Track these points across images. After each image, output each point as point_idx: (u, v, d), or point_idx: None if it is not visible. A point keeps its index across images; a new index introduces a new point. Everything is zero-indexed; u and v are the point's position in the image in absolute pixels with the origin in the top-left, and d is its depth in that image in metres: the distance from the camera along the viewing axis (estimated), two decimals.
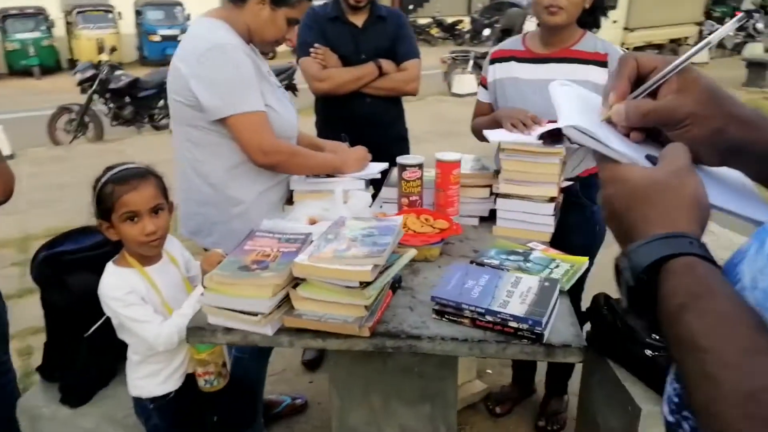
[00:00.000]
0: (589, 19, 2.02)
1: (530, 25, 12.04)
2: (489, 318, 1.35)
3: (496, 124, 2.09)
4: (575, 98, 0.73)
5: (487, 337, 1.34)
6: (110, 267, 1.58)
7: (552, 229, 1.83)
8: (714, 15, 13.85)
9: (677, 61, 0.66)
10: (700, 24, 13.00)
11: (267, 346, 1.47)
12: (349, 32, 2.63)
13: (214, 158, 1.90)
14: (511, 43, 2.18)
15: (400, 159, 1.85)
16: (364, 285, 1.29)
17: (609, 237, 2.27)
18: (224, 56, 1.79)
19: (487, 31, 13.27)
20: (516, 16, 12.49)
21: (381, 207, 2.01)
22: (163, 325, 1.54)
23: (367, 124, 2.60)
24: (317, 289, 1.33)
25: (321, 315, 1.33)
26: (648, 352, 1.84)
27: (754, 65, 9.09)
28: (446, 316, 1.39)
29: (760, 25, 13.01)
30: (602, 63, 1.97)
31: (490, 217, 1.97)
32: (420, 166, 1.82)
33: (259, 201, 1.95)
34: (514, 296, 1.39)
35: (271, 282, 1.31)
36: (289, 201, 2.08)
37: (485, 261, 1.61)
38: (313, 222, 1.86)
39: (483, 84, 2.25)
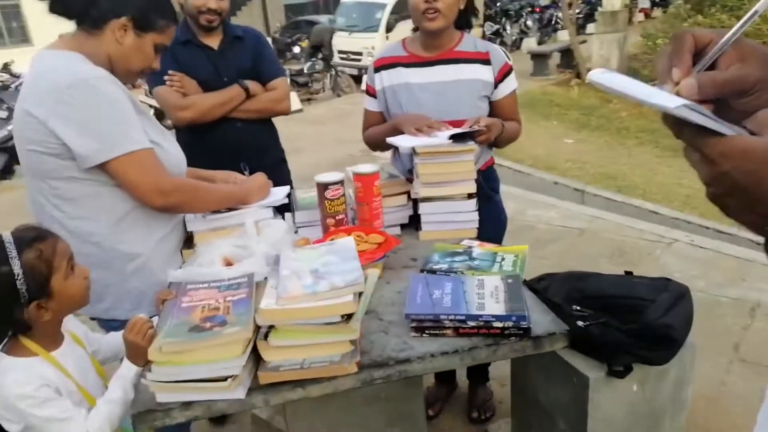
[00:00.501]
0: (462, 21, 2.08)
1: (339, 41, 12.44)
2: (472, 323, 1.30)
3: (395, 131, 2.06)
4: (634, 82, 0.69)
5: (475, 343, 1.28)
6: (6, 361, 1.24)
7: (476, 224, 1.84)
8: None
9: (731, 32, 0.66)
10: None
11: (236, 411, 1.26)
12: (205, 56, 2.42)
13: (95, 212, 1.60)
14: (392, 50, 2.16)
15: (319, 178, 1.72)
16: (347, 317, 1.16)
17: (510, 224, 2.39)
18: (93, 91, 1.51)
19: (296, 49, 13.36)
20: (323, 32, 12.74)
21: (296, 233, 1.86)
22: (90, 419, 1.24)
23: (241, 150, 2.40)
24: (291, 333, 1.17)
25: (301, 361, 1.17)
26: (580, 323, 1.93)
27: (536, 57, 10.35)
28: (426, 332, 1.31)
29: (529, 23, 14.82)
30: (486, 61, 2.04)
31: (410, 224, 1.92)
32: (341, 182, 1.71)
33: (157, 251, 1.68)
34: (486, 297, 1.35)
35: (240, 337, 1.12)
36: (187, 244, 1.83)
37: (434, 267, 1.56)
38: (228, 263, 1.65)
39: (370, 93, 2.20)
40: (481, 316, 1.29)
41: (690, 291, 1.86)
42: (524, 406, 2.26)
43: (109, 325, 1.64)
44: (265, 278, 1.36)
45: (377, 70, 2.13)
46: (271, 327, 1.18)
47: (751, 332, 2.84)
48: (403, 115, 2.02)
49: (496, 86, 2.04)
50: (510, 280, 1.42)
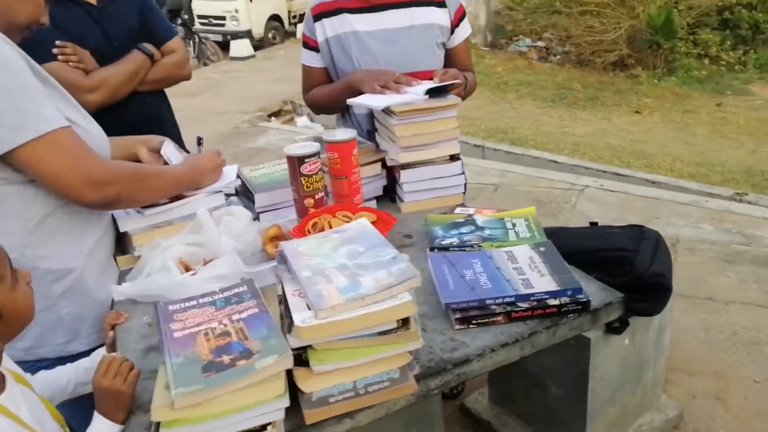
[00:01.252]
0: None
1: (199, 5, 11.36)
2: (524, 305, 1.11)
3: (352, 91, 1.78)
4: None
5: (533, 327, 1.10)
6: None
7: (463, 189, 1.65)
8: None
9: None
10: None
11: None
12: (86, 15, 1.93)
13: (1, 222, 1.18)
14: None
15: (291, 150, 1.41)
16: (402, 322, 0.92)
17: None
18: None
19: None
20: None
21: (257, 220, 1.55)
22: None
23: (154, 128, 1.98)
24: (338, 353, 0.90)
25: (353, 386, 0.92)
26: None
27: None
28: (473, 322, 1.10)
29: None
30: (440, 3, 1.81)
31: (383, 196, 1.69)
32: (318, 154, 1.42)
33: (91, 262, 1.29)
34: (528, 272, 1.18)
35: (281, 369, 0.84)
36: (118, 249, 1.45)
37: (443, 244, 1.34)
38: (187, 267, 1.32)
39: (309, 46, 1.88)
40: (532, 295, 1.11)
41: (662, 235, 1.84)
42: (503, 376, 2.16)
43: (34, 367, 1.24)
44: (276, 284, 1.07)
45: (317, 18, 1.83)
46: (304, 348, 0.90)
47: (678, 267, 2.97)
48: (360, 72, 1.75)
49: (452, 31, 1.83)
50: (543, 248, 1.25)
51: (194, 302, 1.02)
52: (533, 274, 1.17)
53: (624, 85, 7.44)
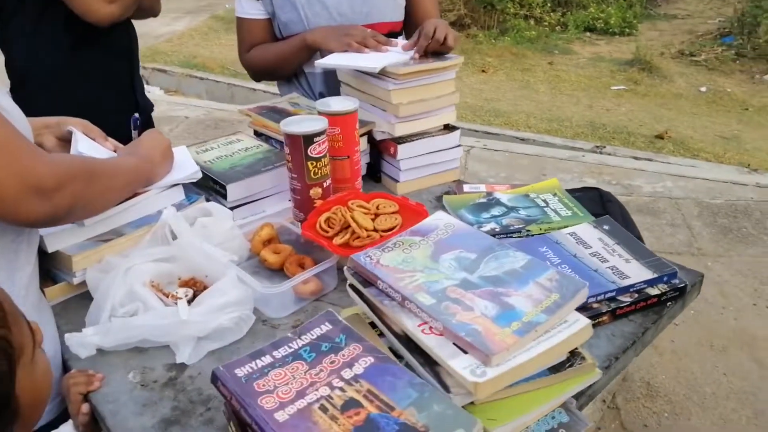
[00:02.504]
0: None
1: None
2: (626, 299, 0.97)
3: (307, 52, 1.46)
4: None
5: (642, 323, 0.96)
6: None
7: (458, 163, 1.45)
8: None
9: None
10: None
11: None
12: None
13: None
14: None
15: (291, 126, 1.08)
16: (573, 352, 0.72)
17: None
18: None
19: None
20: None
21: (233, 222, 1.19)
22: None
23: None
24: (510, 406, 0.67)
25: None
26: None
27: None
28: None
29: None
30: None
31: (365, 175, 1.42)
32: (325, 131, 1.10)
33: (26, 306, 0.87)
34: (610, 258, 1.03)
35: None
36: (42, 276, 1.02)
37: (485, 232, 1.14)
38: (164, 294, 0.96)
39: None
40: (632, 286, 0.97)
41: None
42: None
43: None
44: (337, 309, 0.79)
45: None
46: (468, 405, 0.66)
47: None
48: (320, 29, 1.44)
49: None
50: (606, 227, 1.11)
51: (266, 359, 0.70)
52: (617, 260, 1.02)
53: (467, 45, 7.65)
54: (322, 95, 1.57)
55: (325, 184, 1.13)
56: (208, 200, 1.19)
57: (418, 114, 1.34)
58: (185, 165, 1.17)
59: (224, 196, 1.18)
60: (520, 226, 1.16)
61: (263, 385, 0.66)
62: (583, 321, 0.71)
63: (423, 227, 0.88)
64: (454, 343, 0.68)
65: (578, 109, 5.79)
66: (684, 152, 4.67)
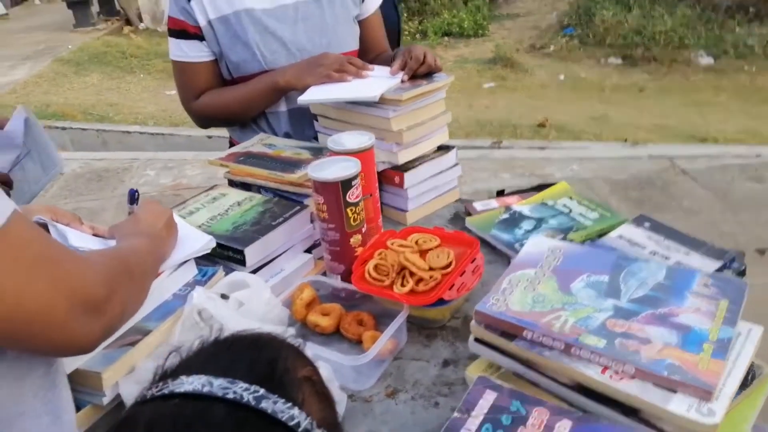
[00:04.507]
0: None
1: None
2: None
3: (278, 94, 1.34)
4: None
5: None
6: None
7: (457, 182, 1.38)
8: None
9: None
10: None
11: None
12: None
13: None
14: None
15: (323, 172, 0.94)
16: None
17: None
18: None
19: None
20: None
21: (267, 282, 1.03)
22: None
23: None
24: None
25: None
26: None
27: (75, 5, 8.52)
28: None
29: None
30: None
31: None
32: (359, 173, 0.97)
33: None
34: (670, 254, 1.02)
35: None
36: None
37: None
38: None
39: (189, 33, 1.32)
40: None
41: None
42: None
43: None
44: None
45: None
46: None
47: None
48: (289, 68, 1.33)
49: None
50: (647, 224, 1.10)
51: None
52: (677, 255, 1.01)
53: None
54: (288, 135, 1.43)
55: (363, 230, 1.01)
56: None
57: (417, 138, 1.26)
58: (190, 235, 1.00)
59: (241, 263, 1.02)
60: (560, 236, 1.12)
61: None
62: (757, 329, 0.67)
63: (527, 257, 0.80)
64: (654, 384, 0.61)
65: (461, 110, 6.01)
66: (567, 136, 5.02)
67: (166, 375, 0.46)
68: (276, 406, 0.43)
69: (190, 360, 0.48)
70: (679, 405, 0.59)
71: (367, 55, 1.51)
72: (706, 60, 6.32)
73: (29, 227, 0.57)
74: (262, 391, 0.43)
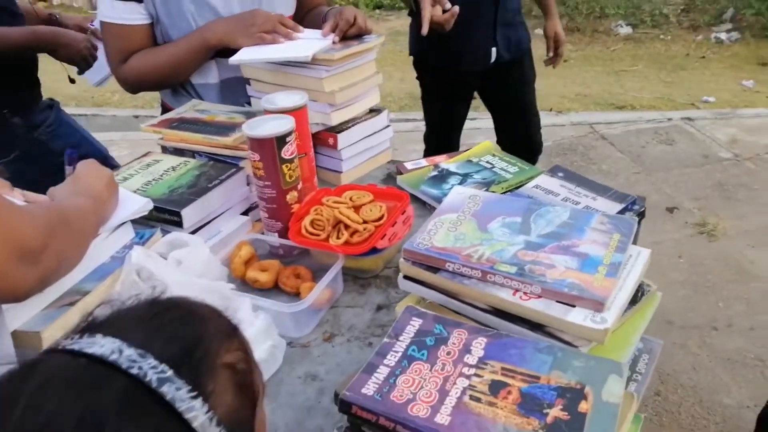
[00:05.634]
0: None
1: None
2: None
3: (207, 52, 1.34)
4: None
5: None
6: None
7: (390, 144, 1.44)
8: None
9: None
10: None
11: None
12: None
13: None
14: None
15: (258, 129, 0.97)
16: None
17: None
18: None
19: None
20: None
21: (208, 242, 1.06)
22: None
23: None
24: (618, 342, 0.72)
25: None
26: None
27: None
28: None
29: None
30: None
31: None
32: (294, 130, 1.01)
33: None
34: (579, 200, 1.12)
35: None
36: None
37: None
38: None
39: None
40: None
41: None
42: None
43: None
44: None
45: None
46: None
47: None
48: (218, 22, 1.33)
49: None
50: (561, 174, 1.20)
51: (383, 369, 0.65)
52: (585, 200, 1.11)
53: None
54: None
55: (299, 187, 1.06)
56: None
57: (349, 100, 1.31)
58: (126, 199, 1.01)
59: (179, 224, 1.04)
60: (484, 189, 1.20)
61: (401, 396, 0.61)
62: (645, 252, 0.77)
63: (450, 204, 0.88)
64: (557, 301, 0.70)
65: (394, 84, 6.05)
66: None
67: (87, 328, 0.42)
68: (178, 393, 0.38)
69: (116, 317, 0.44)
70: (577, 316, 0.68)
71: (303, 8, 1.53)
72: (624, 30, 6.60)
73: None
74: (169, 372, 0.39)
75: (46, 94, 1.80)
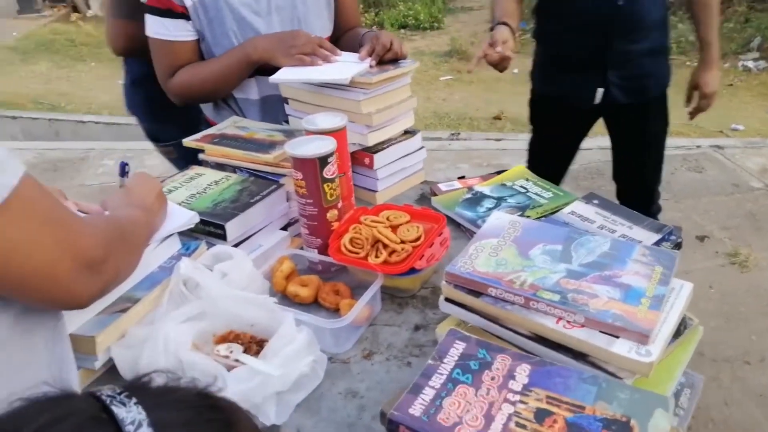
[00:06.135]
0: None
1: None
2: None
3: (249, 67, 1.38)
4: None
5: None
6: None
7: (423, 164, 1.47)
8: None
9: None
10: None
11: None
12: None
13: None
14: None
15: (300, 149, 1.00)
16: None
17: None
18: None
19: None
20: None
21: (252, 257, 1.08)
22: None
23: None
24: (662, 375, 0.72)
25: None
26: None
27: None
28: None
29: None
30: None
31: None
32: (335, 150, 1.04)
33: None
34: (615, 228, 1.12)
35: None
36: None
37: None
38: (221, 356, 0.87)
39: (174, 12, 1.35)
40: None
41: None
42: None
43: None
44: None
45: None
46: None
47: None
48: (261, 39, 1.38)
49: None
50: (596, 201, 1.21)
51: (428, 391, 0.66)
52: (622, 228, 1.11)
53: None
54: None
55: (339, 206, 1.08)
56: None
57: (385, 121, 1.33)
58: (174, 211, 1.05)
59: (222, 237, 1.07)
60: (518, 213, 1.21)
61: (447, 419, 0.63)
62: (688, 285, 0.78)
63: (490, 229, 0.89)
64: (600, 331, 0.70)
65: (420, 102, 6.02)
66: (522, 128, 5.17)
67: (133, 387, 0.42)
68: None
69: (162, 391, 0.44)
70: (621, 347, 0.68)
71: (340, 29, 1.57)
72: None
73: (39, 188, 0.62)
74: None
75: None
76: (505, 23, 1.70)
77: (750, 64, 5.93)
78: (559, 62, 1.91)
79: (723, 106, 5.09)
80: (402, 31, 8.86)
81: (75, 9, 8.64)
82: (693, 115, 2.03)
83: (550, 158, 2.21)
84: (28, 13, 8.42)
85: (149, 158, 3.71)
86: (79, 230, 0.66)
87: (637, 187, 2.14)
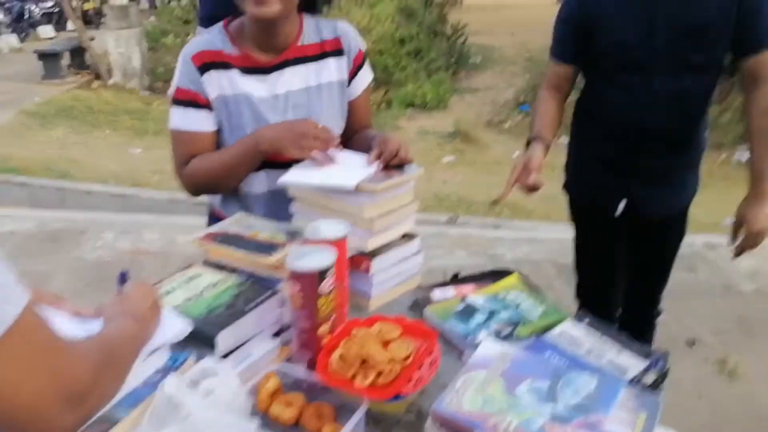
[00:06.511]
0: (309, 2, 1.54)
1: None
2: None
3: (257, 157, 1.43)
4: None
5: None
6: None
7: (419, 269, 1.49)
8: None
9: None
10: None
11: None
12: None
13: None
14: (214, 40, 1.44)
15: (298, 263, 1.03)
16: None
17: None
18: None
19: None
20: None
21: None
22: None
23: None
24: None
25: None
26: None
27: (46, 57, 8.58)
28: None
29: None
30: (339, 51, 1.57)
31: None
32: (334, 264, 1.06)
33: None
34: (604, 352, 1.13)
35: None
36: None
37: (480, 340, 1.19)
38: None
39: (198, 104, 1.43)
40: (634, 379, 1.07)
41: None
42: None
43: None
44: None
45: (204, 68, 1.43)
46: None
47: None
48: (269, 129, 1.44)
49: (349, 82, 1.63)
50: (587, 320, 1.22)
51: None
52: (610, 353, 1.12)
53: None
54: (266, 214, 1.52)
55: (331, 319, 1.09)
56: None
57: (386, 226, 1.37)
58: (167, 320, 1.06)
59: (211, 348, 1.08)
60: (509, 330, 1.22)
61: None
62: None
63: (480, 360, 0.91)
64: None
65: (421, 183, 6.15)
66: (520, 215, 5.24)
67: None
68: None
69: None
70: None
71: (350, 130, 1.64)
72: None
73: (36, 317, 0.63)
74: None
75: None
76: (541, 138, 1.74)
77: (745, 157, 6.09)
78: (588, 163, 1.96)
79: (719, 199, 5.18)
80: (408, 109, 9.14)
81: (98, 77, 8.98)
82: (738, 253, 1.85)
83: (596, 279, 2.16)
84: (53, 79, 8.75)
85: (148, 232, 3.76)
86: (65, 359, 0.66)
87: (643, 292, 2.15)
